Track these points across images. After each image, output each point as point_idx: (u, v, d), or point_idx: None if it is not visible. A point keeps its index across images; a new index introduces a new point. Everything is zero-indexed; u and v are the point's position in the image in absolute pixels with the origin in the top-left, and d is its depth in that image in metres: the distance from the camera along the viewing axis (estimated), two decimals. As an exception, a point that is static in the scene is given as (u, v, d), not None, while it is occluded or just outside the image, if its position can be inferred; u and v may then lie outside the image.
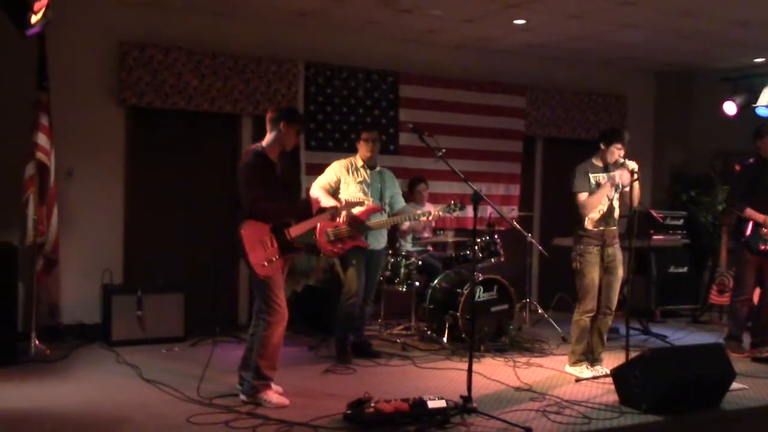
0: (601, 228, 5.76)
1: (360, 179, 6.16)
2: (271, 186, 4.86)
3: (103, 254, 6.98)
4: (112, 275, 6.87)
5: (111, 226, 7.08)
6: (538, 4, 6.67)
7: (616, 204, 5.83)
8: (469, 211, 7.70)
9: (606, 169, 5.81)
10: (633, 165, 5.62)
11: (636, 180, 5.63)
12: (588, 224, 5.76)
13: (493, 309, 6.80)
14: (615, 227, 5.85)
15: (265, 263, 4.76)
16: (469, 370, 4.76)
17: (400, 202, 6.43)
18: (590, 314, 5.77)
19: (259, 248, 4.76)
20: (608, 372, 5.54)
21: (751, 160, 6.78)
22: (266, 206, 4.80)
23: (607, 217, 5.78)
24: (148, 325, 6.60)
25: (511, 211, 8.24)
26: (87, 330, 6.74)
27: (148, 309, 6.60)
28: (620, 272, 5.85)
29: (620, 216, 6.01)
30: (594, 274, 5.74)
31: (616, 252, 5.84)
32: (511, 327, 6.88)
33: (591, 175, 5.77)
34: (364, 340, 6.43)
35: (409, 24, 7.50)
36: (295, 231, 4.97)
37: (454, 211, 6.26)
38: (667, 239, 8.49)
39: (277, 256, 4.82)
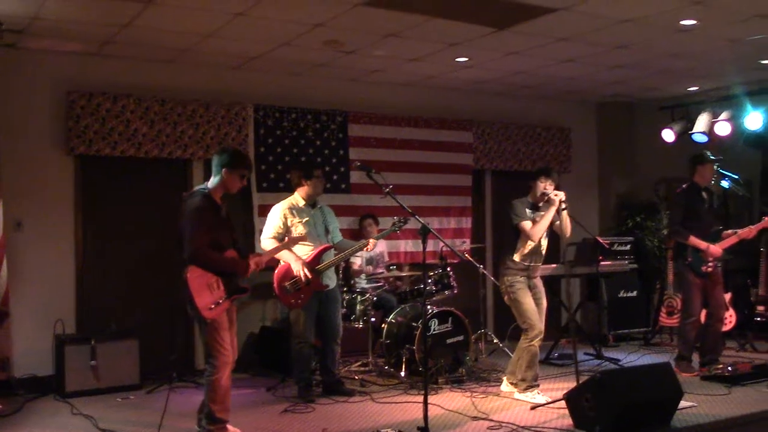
0: (528, 262, 5.95)
1: (306, 219, 6.19)
2: (216, 229, 4.85)
3: (54, 304, 6.89)
4: (64, 325, 6.77)
5: (62, 276, 7.02)
6: (477, 42, 6.89)
7: (544, 242, 6.01)
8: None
9: (536, 207, 5.99)
10: (560, 195, 5.81)
11: (564, 210, 5.81)
12: (517, 257, 5.95)
13: (449, 341, 6.88)
14: (540, 264, 6.04)
15: (212, 306, 4.73)
16: (425, 401, 4.81)
17: (339, 236, 6.52)
18: (538, 338, 5.89)
19: (205, 291, 4.73)
20: (549, 398, 5.68)
21: (683, 186, 7.06)
22: (209, 256, 4.75)
23: (535, 253, 5.97)
24: (103, 375, 6.51)
25: (463, 244, 8.37)
26: (40, 382, 6.62)
27: (102, 358, 6.52)
28: (545, 303, 6.09)
29: (567, 244, 6.19)
30: (528, 298, 5.93)
31: (538, 284, 6.07)
32: (468, 358, 6.96)
33: (526, 210, 5.97)
34: (337, 379, 6.42)
35: (354, 64, 7.66)
36: None
37: (399, 227, 6.44)
38: (615, 264, 8.59)
39: (223, 299, 4.81)
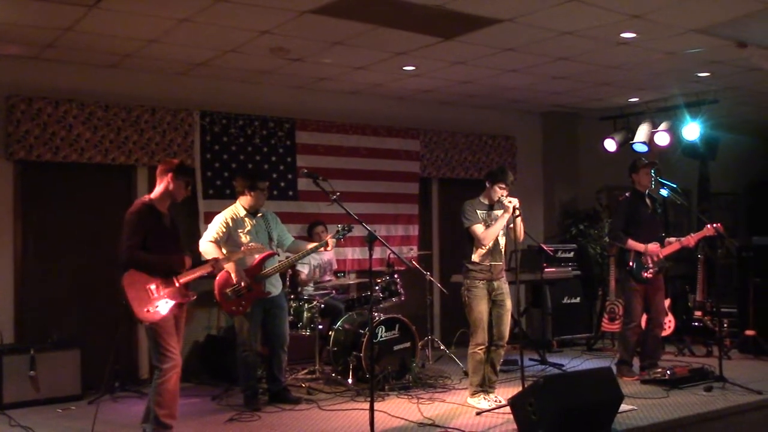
0: (488, 262, 5.97)
1: (248, 229, 6.14)
2: (157, 237, 4.87)
3: (-8, 314, 6.71)
4: (2, 335, 6.59)
5: (0, 284, 6.83)
6: (424, 51, 6.96)
7: (501, 240, 6.06)
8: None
9: (491, 207, 6.05)
10: (514, 202, 5.88)
11: (518, 216, 5.89)
12: (475, 258, 5.98)
13: (396, 347, 6.91)
14: (501, 262, 6.07)
15: (149, 309, 4.75)
16: (371, 408, 4.84)
17: (289, 238, 6.50)
18: (482, 347, 5.95)
19: (143, 295, 4.76)
20: (503, 401, 5.75)
21: (627, 194, 7.22)
22: (138, 255, 4.80)
23: (493, 252, 5.99)
24: (43, 385, 6.34)
25: (411, 251, 8.43)
26: (-24, 394, 6.43)
27: (42, 368, 6.35)
28: (509, 304, 6.07)
29: (512, 251, 6.27)
30: (482, 308, 5.94)
31: (503, 285, 6.06)
32: (414, 364, 6.99)
33: (478, 212, 6.00)
34: (283, 386, 6.37)
35: (302, 72, 7.66)
36: (183, 278, 4.98)
37: (343, 235, 6.43)
38: (559, 271, 8.84)
39: (164, 303, 4.80)
